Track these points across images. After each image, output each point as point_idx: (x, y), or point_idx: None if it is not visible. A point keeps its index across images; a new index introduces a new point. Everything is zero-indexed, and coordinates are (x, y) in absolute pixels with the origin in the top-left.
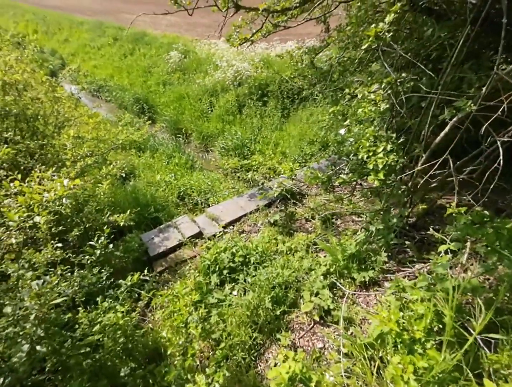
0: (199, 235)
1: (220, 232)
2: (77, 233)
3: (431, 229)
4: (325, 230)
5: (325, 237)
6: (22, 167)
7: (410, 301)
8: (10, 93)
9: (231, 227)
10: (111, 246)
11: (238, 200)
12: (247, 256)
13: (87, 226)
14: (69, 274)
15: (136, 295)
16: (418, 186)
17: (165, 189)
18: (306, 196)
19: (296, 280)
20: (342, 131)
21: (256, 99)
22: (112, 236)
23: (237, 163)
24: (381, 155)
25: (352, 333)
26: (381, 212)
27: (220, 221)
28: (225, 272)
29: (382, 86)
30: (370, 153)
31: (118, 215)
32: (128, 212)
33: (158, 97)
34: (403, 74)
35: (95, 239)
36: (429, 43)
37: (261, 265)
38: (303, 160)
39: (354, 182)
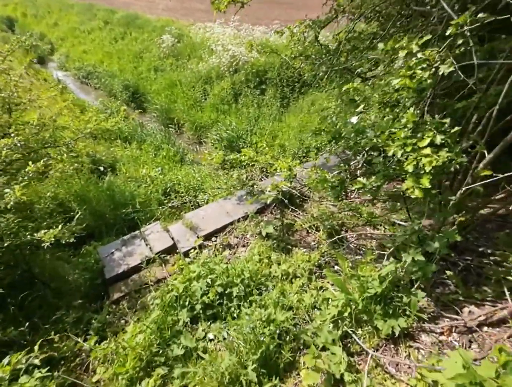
0: (173, 249)
1: (198, 246)
2: None
3: None
4: (333, 247)
5: (334, 258)
6: None
7: None
8: None
9: (213, 239)
10: None
11: (224, 203)
12: (229, 287)
13: (5, 245)
14: None
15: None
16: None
17: (149, 185)
18: (308, 199)
19: (294, 325)
20: (353, 119)
21: (253, 87)
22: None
23: (220, 159)
24: (427, 151)
25: None
26: (411, 230)
27: (200, 230)
28: (198, 307)
29: (451, 31)
30: (408, 149)
31: (45, 230)
32: (60, 227)
33: (149, 84)
34: (481, 15)
35: None
36: None
37: (247, 299)
38: (303, 154)
39: (376, 188)
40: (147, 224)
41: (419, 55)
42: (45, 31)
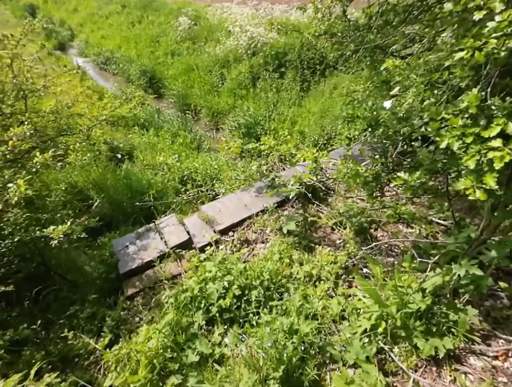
0: (188, 244)
1: (214, 242)
2: None
3: None
4: (361, 247)
5: (364, 262)
6: None
7: None
8: None
9: (230, 233)
10: None
11: (242, 194)
12: (247, 290)
13: (15, 240)
14: None
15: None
16: None
17: (166, 173)
18: (332, 193)
19: (320, 338)
20: (387, 103)
21: (272, 71)
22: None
23: (238, 149)
24: (497, 143)
25: None
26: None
27: (217, 224)
28: (214, 310)
29: None
30: (468, 140)
31: (54, 226)
32: (69, 223)
33: (166, 69)
34: None
35: None
36: None
37: (267, 304)
38: (324, 142)
39: (419, 185)
40: (163, 215)
41: (498, 18)
42: (65, 17)
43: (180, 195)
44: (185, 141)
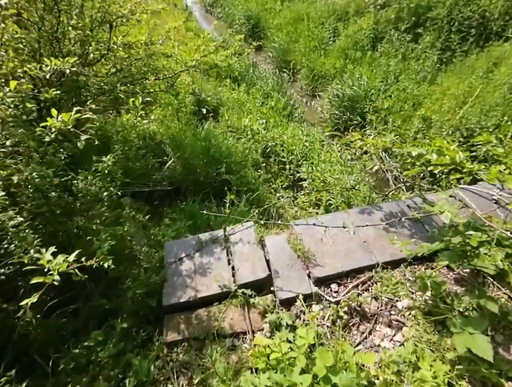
0: (265, 283)
1: (305, 296)
2: None
3: None
4: None
5: None
6: None
7: None
8: None
9: (333, 286)
10: None
11: (359, 219)
12: None
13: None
14: None
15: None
16: None
17: (249, 140)
18: None
19: None
20: None
21: (404, 31)
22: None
23: (379, 144)
24: None
25: None
26: None
27: (314, 265)
28: None
29: None
30: None
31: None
32: (74, 255)
33: (271, 17)
34: None
35: None
36: None
37: None
38: (460, 140)
39: None
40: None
41: None
42: None
43: (259, 171)
44: (277, 105)
